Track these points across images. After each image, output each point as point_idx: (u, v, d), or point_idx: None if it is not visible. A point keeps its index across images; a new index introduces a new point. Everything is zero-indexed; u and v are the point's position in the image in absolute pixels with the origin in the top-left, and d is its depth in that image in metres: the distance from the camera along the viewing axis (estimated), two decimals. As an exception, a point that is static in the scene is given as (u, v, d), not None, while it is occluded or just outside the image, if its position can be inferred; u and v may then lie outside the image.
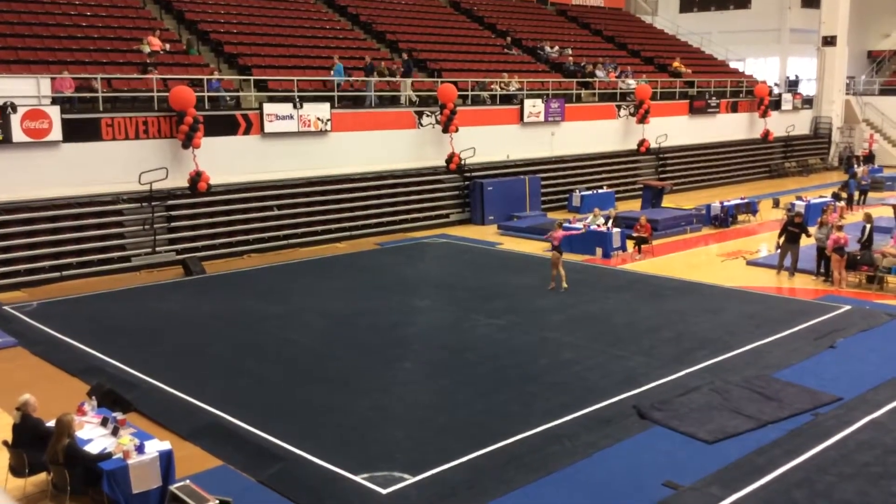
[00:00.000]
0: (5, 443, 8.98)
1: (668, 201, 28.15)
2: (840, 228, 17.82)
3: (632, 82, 33.42)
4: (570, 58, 34.22)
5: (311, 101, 23.18)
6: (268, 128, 22.16)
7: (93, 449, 8.63)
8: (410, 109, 25.62)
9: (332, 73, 24.40)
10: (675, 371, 12.35)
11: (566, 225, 20.55)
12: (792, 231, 18.62)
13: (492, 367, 12.62)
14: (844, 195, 28.42)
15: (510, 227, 24.74)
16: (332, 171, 23.63)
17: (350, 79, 24.95)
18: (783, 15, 46.21)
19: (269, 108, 22.25)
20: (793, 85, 45.31)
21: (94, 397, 10.22)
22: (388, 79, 26.03)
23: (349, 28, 29.90)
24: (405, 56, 25.82)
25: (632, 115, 32.15)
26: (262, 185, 22.03)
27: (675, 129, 33.49)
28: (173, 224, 20.43)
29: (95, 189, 19.35)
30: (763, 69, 47.20)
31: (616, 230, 21.31)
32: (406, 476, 9.11)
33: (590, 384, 11.87)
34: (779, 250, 18.86)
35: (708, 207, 25.69)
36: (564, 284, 17.15)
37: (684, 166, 34.12)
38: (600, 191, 28.58)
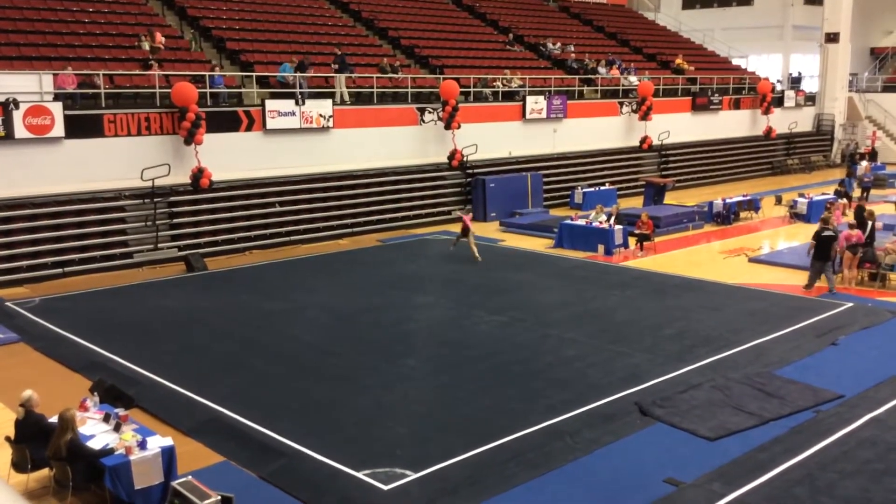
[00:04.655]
0: (8, 438, 9.00)
1: (670, 198, 28.09)
2: (851, 226, 17.58)
3: (634, 79, 33.38)
4: (573, 54, 34.17)
5: (314, 98, 23.18)
6: (270, 124, 22.16)
7: (95, 445, 8.63)
8: (413, 106, 25.61)
9: (279, 71, 23.56)
10: (677, 368, 12.35)
11: (566, 223, 21.78)
12: (823, 241, 16.65)
13: (493, 364, 12.63)
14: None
15: (512, 223, 24.74)
16: (334, 167, 23.63)
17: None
18: (786, 11, 46.13)
19: (271, 104, 22.24)
20: (795, 82, 45.27)
21: (96, 393, 10.22)
22: (390, 75, 26.02)
23: (351, 24, 29.89)
24: (338, 51, 25.41)
25: (634, 111, 32.11)
26: (264, 181, 22.04)
27: (677, 126, 33.46)
28: (175, 220, 20.43)
29: (97, 185, 19.37)
30: (766, 66, 47.13)
31: (618, 227, 21.31)
32: (408, 472, 9.12)
33: (591, 381, 11.87)
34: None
35: (710, 204, 25.66)
36: (477, 255, 19.24)
37: (687, 163, 34.07)
38: (602, 188, 28.56)
